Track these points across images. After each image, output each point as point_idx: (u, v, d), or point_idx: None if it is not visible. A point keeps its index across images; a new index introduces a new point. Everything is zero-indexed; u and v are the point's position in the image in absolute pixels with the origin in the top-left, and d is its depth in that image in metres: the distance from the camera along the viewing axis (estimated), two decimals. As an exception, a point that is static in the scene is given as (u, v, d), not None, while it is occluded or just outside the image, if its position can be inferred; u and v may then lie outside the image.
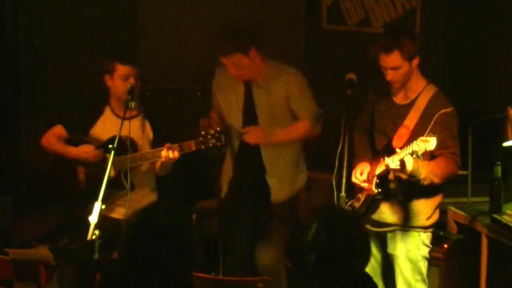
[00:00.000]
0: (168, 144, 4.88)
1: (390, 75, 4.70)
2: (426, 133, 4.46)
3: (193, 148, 4.89)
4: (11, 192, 6.64)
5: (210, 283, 4.60)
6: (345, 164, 4.54)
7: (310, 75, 6.36)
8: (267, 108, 5.20)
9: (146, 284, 3.26)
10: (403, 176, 4.70)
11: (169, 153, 4.86)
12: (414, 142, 4.44)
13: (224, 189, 5.41)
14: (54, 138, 5.16)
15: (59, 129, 5.19)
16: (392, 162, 4.58)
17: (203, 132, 4.90)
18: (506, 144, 5.13)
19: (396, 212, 4.83)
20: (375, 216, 4.88)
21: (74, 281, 5.09)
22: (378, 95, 4.94)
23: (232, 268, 5.43)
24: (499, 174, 5.18)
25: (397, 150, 4.61)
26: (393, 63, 4.67)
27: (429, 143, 4.38)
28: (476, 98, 6.41)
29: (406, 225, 4.83)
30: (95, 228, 4.30)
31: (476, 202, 5.52)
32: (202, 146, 4.88)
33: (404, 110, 4.79)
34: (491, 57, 6.53)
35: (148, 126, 5.14)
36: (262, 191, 5.31)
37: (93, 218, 4.31)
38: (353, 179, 4.84)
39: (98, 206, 4.34)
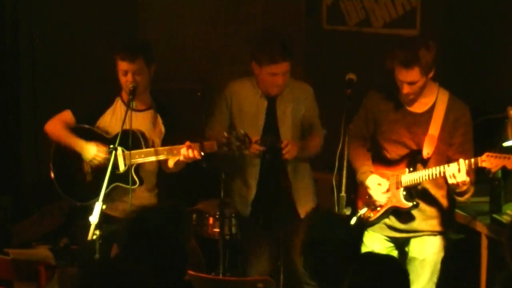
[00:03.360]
0: (188, 143, 4.74)
1: (406, 89, 4.64)
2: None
3: (215, 149, 4.77)
4: (11, 192, 6.64)
5: (210, 283, 4.60)
6: (345, 164, 4.54)
7: (310, 75, 6.38)
8: (291, 122, 5.19)
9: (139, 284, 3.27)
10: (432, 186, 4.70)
11: (189, 152, 4.73)
12: (479, 158, 4.45)
13: (247, 208, 5.30)
14: (61, 124, 4.94)
15: (67, 115, 4.97)
16: (459, 173, 4.51)
17: (226, 133, 4.78)
18: (506, 144, 5.13)
19: (426, 218, 4.81)
20: (401, 224, 4.83)
21: (75, 281, 5.08)
22: (385, 103, 4.85)
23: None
24: (499, 174, 5.18)
25: (460, 162, 4.52)
26: (412, 78, 4.61)
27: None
28: (476, 98, 6.41)
29: (435, 230, 4.84)
30: (95, 228, 4.29)
31: (476, 202, 5.51)
32: (225, 148, 4.76)
33: (423, 118, 4.74)
34: (491, 57, 6.53)
35: (160, 121, 4.99)
36: (288, 207, 5.28)
37: (93, 218, 4.30)
38: (377, 197, 4.77)
39: (99, 206, 4.33)
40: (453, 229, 4.97)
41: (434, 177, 4.62)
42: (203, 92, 6.81)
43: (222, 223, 5.73)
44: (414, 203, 4.76)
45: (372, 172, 4.85)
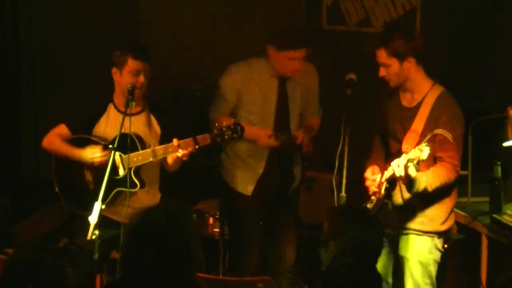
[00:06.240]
0: (175, 140, 4.72)
1: (381, 72, 4.72)
2: (425, 140, 4.43)
3: (209, 141, 4.73)
4: (11, 192, 6.64)
5: (210, 283, 4.60)
6: (345, 164, 4.54)
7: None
8: (300, 102, 5.35)
9: (146, 285, 3.26)
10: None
11: (182, 148, 4.71)
12: (413, 149, 4.43)
13: (251, 186, 5.40)
14: (57, 138, 4.94)
15: (62, 129, 4.96)
16: (398, 167, 4.54)
17: (217, 124, 4.78)
18: (506, 144, 5.13)
19: (411, 217, 4.78)
20: (388, 219, 4.85)
21: (74, 281, 5.07)
22: (389, 99, 4.91)
23: (246, 267, 5.46)
24: (499, 174, 5.18)
25: (403, 155, 4.56)
26: (381, 59, 4.69)
27: (423, 152, 4.34)
28: (476, 98, 6.41)
29: (421, 229, 4.79)
30: (95, 228, 4.29)
31: (476, 202, 5.51)
32: (218, 139, 4.75)
33: (411, 113, 4.74)
34: (491, 57, 6.53)
35: (154, 121, 4.97)
36: (285, 185, 5.47)
37: (93, 218, 4.30)
38: (367, 183, 4.80)
39: (98, 206, 4.33)
40: (442, 234, 4.85)
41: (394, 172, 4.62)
42: (203, 92, 6.82)
43: (222, 223, 5.73)
44: (386, 194, 4.75)
45: (372, 163, 4.88)
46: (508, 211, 5.13)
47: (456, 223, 5.41)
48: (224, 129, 4.74)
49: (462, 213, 5.34)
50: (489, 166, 5.24)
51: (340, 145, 4.55)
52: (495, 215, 5.11)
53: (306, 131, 5.35)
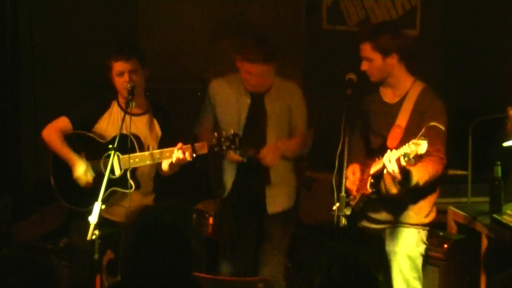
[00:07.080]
0: (180, 145, 4.73)
1: (363, 65, 4.76)
2: (419, 134, 4.44)
3: (206, 150, 4.75)
4: (11, 192, 6.63)
5: (210, 283, 4.60)
6: (345, 164, 4.54)
7: (310, 75, 6.36)
8: (277, 119, 5.20)
9: (149, 284, 3.26)
10: (388, 179, 4.68)
11: (179, 154, 4.72)
12: (407, 144, 4.43)
13: (228, 188, 5.36)
14: (56, 132, 4.92)
15: (63, 122, 4.95)
16: (389, 162, 4.55)
17: (216, 134, 4.78)
18: (506, 144, 5.13)
19: (396, 210, 4.83)
20: (374, 214, 4.88)
21: (74, 281, 5.08)
22: (369, 96, 4.94)
23: (235, 269, 5.45)
24: (499, 174, 5.18)
25: (393, 150, 4.57)
26: (364, 53, 4.73)
27: (420, 146, 4.34)
28: (476, 98, 6.42)
29: (406, 222, 4.83)
30: (95, 228, 4.29)
31: (476, 202, 5.51)
32: (216, 149, 4.75)
33: (395, 109, 4.79)
34: (491, 57, 6.53)
35: (156, 124, 4.99)
36: (261, 201, 5.31)
37: (93, 218, 4.30)
38: (347, 183, 4.77)
39: (98, 206, 4.33)
40: (432, 224, 4.90)
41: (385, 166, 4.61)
42: (203, 92, 6.81)
43: (221, 223, 5.72)
44: (373, 189, 4.76)
45: (353, 161, 4.88)
46: (508, 211, 5.13)
47: (456, 223, 5.42)
48: (222, 139, 4.75)
49: (462, 213, 5.35)
50: (489, 166, 5.24)
51: (340, 145, 4.55)
52: (495, 215, 5.12)
53: (282, 146, 5.18)
